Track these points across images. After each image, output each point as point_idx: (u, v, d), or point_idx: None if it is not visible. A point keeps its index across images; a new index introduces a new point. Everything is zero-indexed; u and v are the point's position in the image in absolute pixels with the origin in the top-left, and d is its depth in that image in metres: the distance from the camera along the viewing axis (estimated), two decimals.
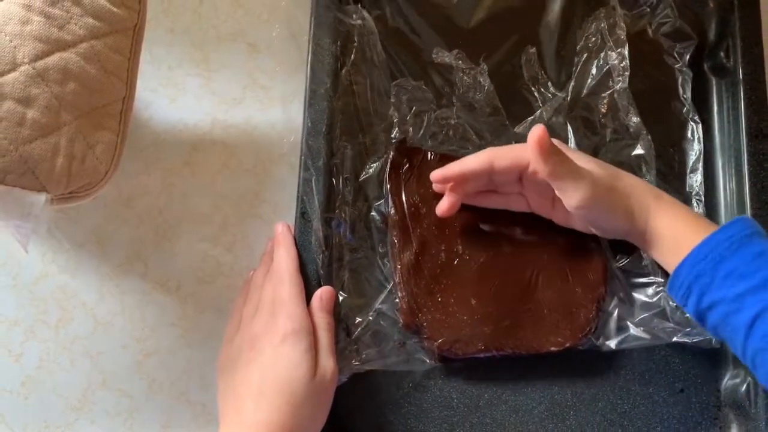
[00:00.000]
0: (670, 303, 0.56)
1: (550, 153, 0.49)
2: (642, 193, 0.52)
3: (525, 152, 0.52)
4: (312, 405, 0.49)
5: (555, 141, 0.52)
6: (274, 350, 0.50)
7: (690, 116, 0.61)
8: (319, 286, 0.55)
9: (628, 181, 0.53)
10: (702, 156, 0.60)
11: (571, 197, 0.51)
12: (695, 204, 0.59)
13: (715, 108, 0.62)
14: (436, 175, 0.55)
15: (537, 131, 0.48)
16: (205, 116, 0.61)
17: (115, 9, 0.47)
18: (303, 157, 0.56)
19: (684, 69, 0.62)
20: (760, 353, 0.46)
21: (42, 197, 0.45)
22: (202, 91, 0.62)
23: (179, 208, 0.60)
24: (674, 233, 0.50)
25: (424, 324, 0.55)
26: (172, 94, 0.61)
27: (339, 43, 0.59)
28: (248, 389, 0.49)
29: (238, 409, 0.49)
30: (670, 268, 0.51)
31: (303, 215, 0.55)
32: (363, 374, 0.55)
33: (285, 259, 0.54)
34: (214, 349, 0.57)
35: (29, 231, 0.46)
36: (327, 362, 0.51)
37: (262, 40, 0.63)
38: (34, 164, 0.44)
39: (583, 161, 0.53)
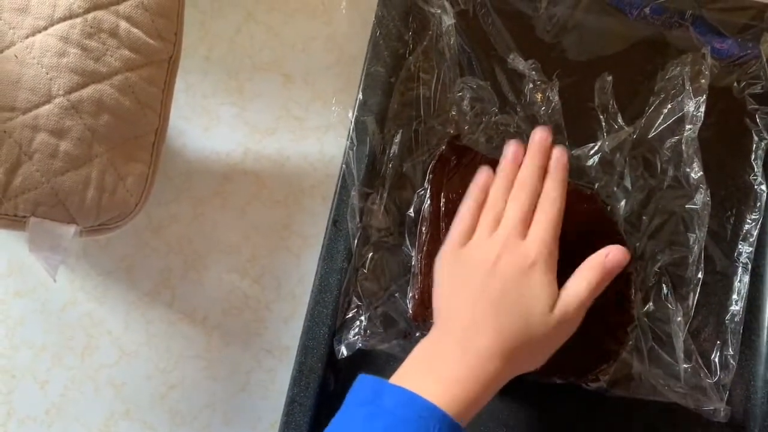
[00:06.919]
0: (684, 364, 0.54)
1: None
2: None
3: None
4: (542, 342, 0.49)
5: None
6: (521, 275, 0.49)
7: (756, 183, 0.59)
8: (346, 273, 0.54)
9: None
10: (759, 225, 0.58)
11: None
12: (741, 272, 0.57)
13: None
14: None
15: None
16: (238, 146, 0.61)
17: (151, 41, 0.47)
18: (351, 130, 0.57)
19: (762, 133, 0.59)
20: None
21: (72, 229, 0.45)
22: (235, 120, 0.61)
23: (208, 238, 0.59)
24: None
25: (432, 320, 0.53)
26: (206, 123, 0.61)
27: (413, 27, 0.59)
28: (483, 307, 0.48)
29: (465, 324, 0.48)
30: None
31: (335, 224, 0.55)
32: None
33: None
34: (238, 383, 0.56)
35: (58, 262, 0.46)
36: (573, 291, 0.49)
37: (297, 71, 0.62)
38: (65, 196, 0.44)
39: None
